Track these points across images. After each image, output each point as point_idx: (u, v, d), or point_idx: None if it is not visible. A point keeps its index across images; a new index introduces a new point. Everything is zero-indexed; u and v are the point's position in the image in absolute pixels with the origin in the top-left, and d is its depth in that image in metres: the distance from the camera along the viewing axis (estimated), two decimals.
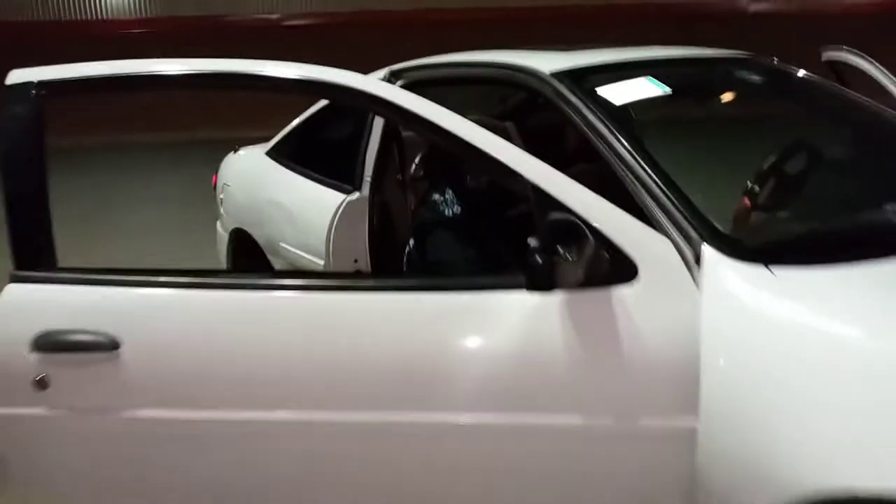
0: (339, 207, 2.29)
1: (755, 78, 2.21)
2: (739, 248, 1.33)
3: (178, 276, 1.42)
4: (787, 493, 1.13)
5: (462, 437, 1.35)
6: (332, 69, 1.51)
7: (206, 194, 3.53)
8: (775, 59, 2.33)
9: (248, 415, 1.36)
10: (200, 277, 1.43)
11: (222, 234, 3.18)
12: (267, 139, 3.03)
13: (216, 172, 3.36)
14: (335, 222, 2.28)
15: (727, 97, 2.18)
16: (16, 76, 1.46)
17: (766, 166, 2.05)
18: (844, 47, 2.74)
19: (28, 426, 1.38)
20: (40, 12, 14.42)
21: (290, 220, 2.52)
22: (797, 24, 16.25)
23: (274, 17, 14.67)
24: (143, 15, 14.76)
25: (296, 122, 2.88)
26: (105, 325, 1.34)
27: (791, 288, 1.25)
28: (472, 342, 1.35)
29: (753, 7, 16.09)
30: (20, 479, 1.45)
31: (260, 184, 2.81)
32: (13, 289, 1.39)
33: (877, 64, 2.59)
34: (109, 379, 1.35)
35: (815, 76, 2.25)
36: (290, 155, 2.75)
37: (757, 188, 2.03)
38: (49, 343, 1.34)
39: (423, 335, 1.35)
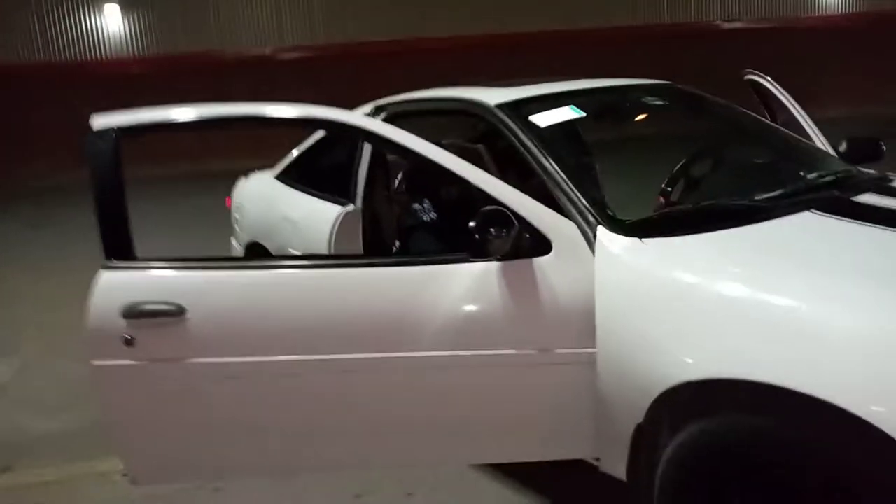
0: (338, 217, 2.88)
1: (663, 101, 2.81)
2: (622, 227, 1.91)
3: (224, 262, 1.98)
4: (657, 386, 1.69)
5: (430, 368, 1.90)
6: (329, 108, 2.10)
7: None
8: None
9: (277, 358, 1.91)
10: (240, 261, 2.00)
11: (237, 248, 3.76)
12: (260, 167, 3.66)
13: (229, 196, 3.95)
14: (335, 229, 2.86)
15: (639, 118, 2.78)
16: (100, 122, 2.03)
17: (673, 171, 2.64)
18: (749, 71, 3.32)
19: (119, 373, 1.93)
20: (35, 53, 14.96)
21: (298, 230, 3.09)
22: (768, 39, 17.07)
23: (267, 51, 15.33)
24: (141, 54, 15.40)
25: (298, 150, 3.48)
26: (174, 297, 1.90)
27: (653, 250, 1.83)
28: (437, 299, 1.90)
29: (727, 25, 16.93)
30: (110, 418, 2.00)
31: (272, 202, 3.39)
32: (105, 274, 1.94)
33: (776, 85, 3.18)
34: (179, 336, 1.90)
35: (716, 99, 2.85)
36: (296, 177, 3.35)
37: (668, 188, 2.62)
38: (133, 311, 1.90)
39: (402, 296, 1.92)
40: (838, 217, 1.92)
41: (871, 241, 1.81)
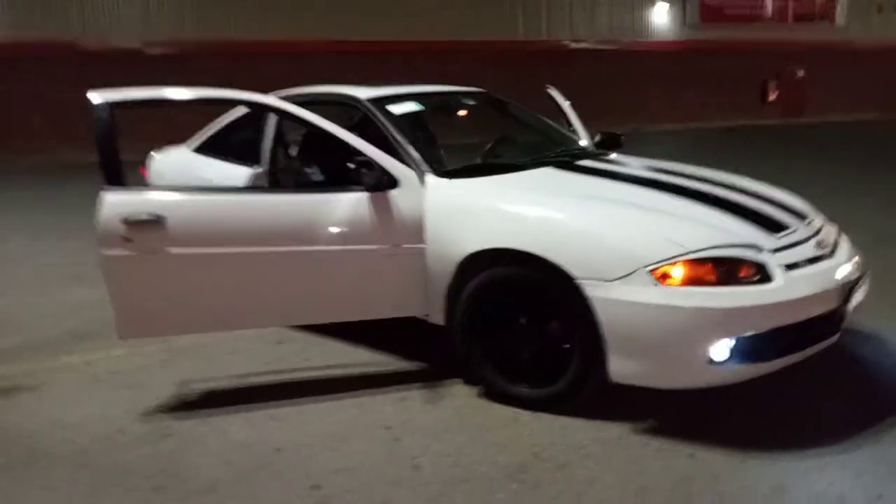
0: (249, 176, 4.10)
1: (477, 102, 4.32)
2: (440, 173, 3.32)
3: (188, 188, 3.19)
4: (457, 258, 3.11)
5: (325, 258, 3.21)
6: (265, 94, 3.36)
7: None
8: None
9: (226, 250, 3.14)
10: (200, 188, 3.22)
11: None
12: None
13: (143, 166, 5.03)
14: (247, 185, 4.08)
15: (461, 112, 4.27)
16: (96, 97, 3.16)
17: (484, 149, 4.14)
18: (549, 85, 4.88)
19: (121, 261, 3.07)
20: None
21: None
22: (609, 59, 19.60)
23: (134, 43, 15.72)
24: None
25: (213, 130, 4.66)
26: (156, 210, 3.08)
27: (456, 185, 3.26)
28: (329, 213, 3.21)
29: (573, 45, 19.40)
30: (113, 291, 3.12)
31: (192, 168, 4.55)
32: (106, 194, 3.09)
33: (562, 97, 4.75)
34: (160, 235, 3.08)
35: (516, 105, 4.39)
36: (212, 149, 4.54)
37: (479, 159, 4.11)
38: (129, 220, 3.06)
39: (307, 210, 3.21)
40: (563, 170, 3.48)
41: (572, 180, 3.40)
